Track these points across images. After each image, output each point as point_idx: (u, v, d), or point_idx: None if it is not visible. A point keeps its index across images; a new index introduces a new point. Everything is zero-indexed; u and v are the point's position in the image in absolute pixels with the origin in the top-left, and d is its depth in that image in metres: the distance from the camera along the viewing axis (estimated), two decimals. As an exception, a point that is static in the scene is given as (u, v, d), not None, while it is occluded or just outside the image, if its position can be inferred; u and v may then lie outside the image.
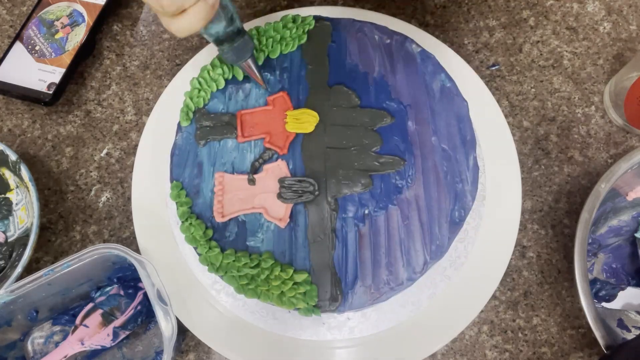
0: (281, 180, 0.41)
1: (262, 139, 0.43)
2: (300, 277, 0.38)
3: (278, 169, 0.42)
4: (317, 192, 0.40)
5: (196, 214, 0.41)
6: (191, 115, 0.44)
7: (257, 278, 0.38)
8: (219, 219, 0.41)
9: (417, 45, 0.45)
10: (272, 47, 0.45)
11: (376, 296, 0.38)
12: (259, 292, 0.38)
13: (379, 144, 0.41)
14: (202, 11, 0.32)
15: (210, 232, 0.40)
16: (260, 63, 0.45)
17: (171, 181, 0.43)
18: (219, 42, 0.39)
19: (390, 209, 0.40)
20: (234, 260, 0.39)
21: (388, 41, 0.45)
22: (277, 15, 0.51)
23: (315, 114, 0.43)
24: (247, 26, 0.51)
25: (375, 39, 0.45)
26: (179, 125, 0.44)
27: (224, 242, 0.40)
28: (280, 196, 0.40)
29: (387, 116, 0.42)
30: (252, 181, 0.41)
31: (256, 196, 0.41)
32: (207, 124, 0.44)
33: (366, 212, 0.40)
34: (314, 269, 0.39)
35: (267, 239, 0.40)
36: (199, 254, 0.40)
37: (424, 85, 0.43)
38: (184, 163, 0.43)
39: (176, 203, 0.42)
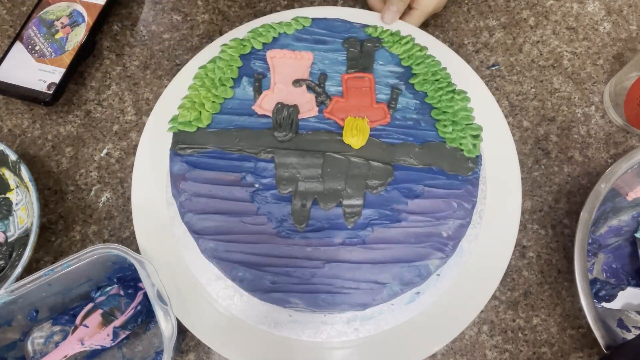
0: (294, 106, 0.43)
1: (341, 95, 0.44)
2: (204, 118, 0.42)
3: (309, 107, 0.43)
4: (279, 138, 0.42)
5: (279, 35, 0.46)
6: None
7: (211, 81, 0.43)
8: (268, 54, 0.45)
9: (440, 269, 0.40)
10: (442, 111, 0.43)
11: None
12: (196, 81, 0.43)
13: (324, 208, 0.40)
14: None
15: (260, 46, 0.45)
16: (428, 101, 0.44)
17: (312, 19, 0.47)
18: None
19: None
20: (230, 64, 0.44)
21: (443, 235, 0.40)
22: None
23: (361, 145, 0.42)
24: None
25: (447, 221, 0.41)
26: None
27: (249, 57, 0.45)
28: (277, 105, 0.43)
29: (353, 220, 0.40)
30: (298, 83, 0.44)
31: (285, 85, 0.44)
32: (361, 49, 0.46)
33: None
34: (210, 132, 0.42)
35: (245, 94, 0.44)
36: (242, 38, 0.46)
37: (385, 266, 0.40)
38: (327, 29, 0.46)
39: (292, 20, 0.46)
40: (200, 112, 0.42)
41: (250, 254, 0.39)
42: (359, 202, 0.40)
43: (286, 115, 0.42)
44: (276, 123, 0.42)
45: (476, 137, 0.42)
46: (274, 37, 0.45)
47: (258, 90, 0.43)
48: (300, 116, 0.42)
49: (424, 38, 0.50)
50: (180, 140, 0.42)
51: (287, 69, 0.44)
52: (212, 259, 0.39)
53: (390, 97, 0.44)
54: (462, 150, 0.42)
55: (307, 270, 0.39)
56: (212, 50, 0.50)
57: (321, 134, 0.42)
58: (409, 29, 0.50)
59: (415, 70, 0.45)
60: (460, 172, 0.41)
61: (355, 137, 0.41)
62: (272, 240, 0.39)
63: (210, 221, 0.40)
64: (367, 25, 0.47)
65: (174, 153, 0.41)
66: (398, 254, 0.39)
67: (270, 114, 0.42)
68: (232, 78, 0.44)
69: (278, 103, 0.43)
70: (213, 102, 0.42)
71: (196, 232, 0.40)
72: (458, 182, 0.41)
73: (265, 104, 0.43)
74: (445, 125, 0.42)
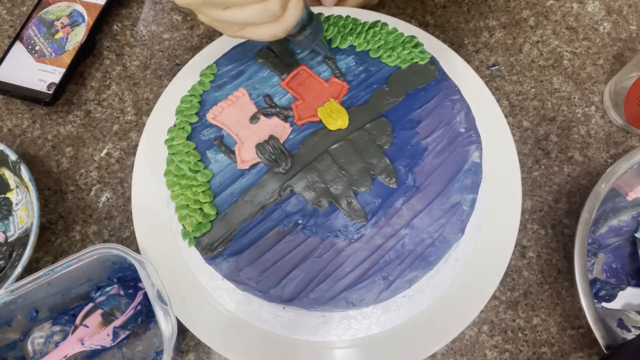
0: (272, 137, 0.41)
1: (295, 99, 0.43)
2: (209, 210, 0.40)
3: (281, 129, 0.42)
4: (283, 171, 0.41)
5: (201, 98, 0.44)
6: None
7: (185, 178, 0.41)
8: (209, 117, 0.43)
9: (480, 156, 0.41)
10: (377, 47, 0.45)
11: (233, 277, 0.39)
12: (175, 188, 0.41)
13: (365, 189, 0.40)
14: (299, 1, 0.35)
15: (195, 119, 0.43)
16: (359, 49, 0.45)
17: (215, 62, 0.46)
18: (302, 28, 0.39)
19: (317, 240, 0.39)
20: (186, 151, 0.42)
21: (462, 131, 0.42)
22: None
23: (347, 121, 0.42)
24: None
25: (455, 119, 0.42)
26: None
27: (196, 134, 0.43)
28: (258, 147, 0.41)
29: (394, 179, 0.40)
30: (256, 118, 0.42)
31: (247, 129, 0.42)
32: (276, 52, 0.45)
33: (299, 221, 0.39)
34: (224, 217, 0.40)
35: (222, 163, 0.42)
36: (174, 125, 0.43)
37: (447, 191, 0.40)
38: (235, 60, 0.45)
39: (200, 76, 0.45)
40: (201, 209, 0.40)
41: (319, 272, 0.39)
42: (385, 162, 0.41)
43: (271, 149, 0.41)
44: (269, 161, 0.41)
45: (417, 45, 0.45)
46: (199, 102, 0.44)
47: (229, 152, 0.42)
48: (281, 141, 0.42)
49: (423, 38, 0.50)
50: (206, 245, 0.39)
51: (235, 116, 0.43)
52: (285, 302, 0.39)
53: (331, 69, 0.44)
54: (416, 62, 0.44)
55: (399, 244, 0.39)
56: (212, 50, 0.50)
57: (310, 140, 0.42)
58: (389, 20, 0.50)
59: (328, 36, 0.45)
60: (429, 78, 0.44)
61: (338, 119, 0.42)
62: (352, 249, 0.39)
63: (293, 281, 0.39)
64: None
65: (211, 259, 0.39)
66: (446, 172, 0.41)
67: (257, 160, 0.41)
68: (198, 161, 0.42)
69: (256, 145, 0.41)
70: (203, 191, 0.41)
71: (289, 300, 0.38)
72: (434, 85, 0.44)
73: (245, 156, 0.41)
74: (389, 56, 0.44)
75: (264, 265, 0.39)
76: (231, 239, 0.39)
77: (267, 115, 0.43)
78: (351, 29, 0.46)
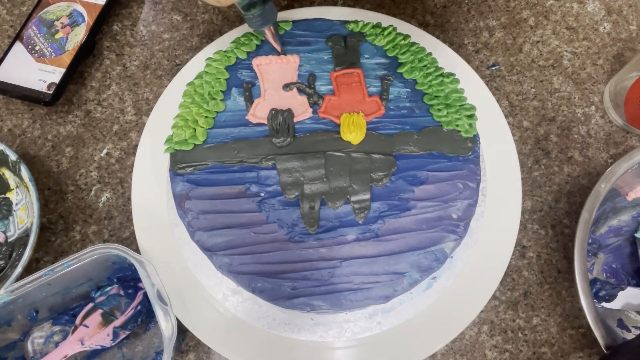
0: (288, 111, 0.42)
1: (332, 94, 0.43)
2: (200, 135, 0.42)
3: (302, 109, 0.43)
4: (278, 144, 0.41)
5: (261, 43, 0.46)
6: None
7: (201, 97, 0.43)
8: (254, 62, 0.44)
9: (454, 249, 0.40)
10: (435, 97, 0.43)
11: (178, 200, 0.41)
12: (186, 99, 0.43)
13: (332, 206, 0.40)
14: None
15: (244, 55, 0.45)
16: (418, 87, 0.44)
17: (293, 22, 0.46)
18: (251, 5, 0.39)
19: (263, 217, 0.40)
20: (217, 77, 0.43)
21: (453, 217, 0.40)
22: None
23: (360, 139, 0.41)
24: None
25: (455, 204, 0.41)
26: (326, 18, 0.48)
27: (235, 69, 0.44)
28: (271, 112, 0.42)
29: (363, 215, 0.40)
30: (289, 87, 0.44)
31: (275, 91, 0.44)
32: (346, 45, 0.46)
33: (261, 194, 0.40)
34: (207, 148, 0.42)
35: (237, 105, 0.43)
36: (224, 50, 0.45)
37: (400, 257, 0.39)
38: (310, 29, 0.46)
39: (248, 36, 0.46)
40: (194, 129, 0.42)
41: (266, 264, 0.39)
42: (366, 196, 0.40)
43: (282, 120, 0.42)
44: (273, 129, 0.41)
45: (471, 116, 0.43)
46: (257, 45, 0.45)
47: (249, 100, 0.43)
48: (295, 119, 0.42)
49: (423, 38, 0.50)
50: (179, 160, 0.41)
51: (275, 74, 0.44)
52: (229, 274, 0.39)
53: (381, 88, 0.44)
54: (459, 131, 0.42)
55: (326, 271, 0.38)
56: (212, 50, 0.50)
57: (319, 135, 0.42)
58: (389, 20, 0.50)
59: (401, 59, 0.45)
60: (460, 152, 0.42)
61: (353, 132, 0.41)
62: (286, 246, 0.39)
63: (221, 237, 0.39)
64: (348, 21, 0.46)
65: (174, 174, 0.41)
66: (412, 242, 0.39)
67: (265, 122, 0.42)
68: (221, 91, 0.43)
69: (272, 109, 0.42)
70: (206, 117, 0.42)
71: (208, 250, 0.39)
72: (460, 162, 0.42)
73: (258, 112, 0.43)
74: (439, 109, 0.43)
75: (208, 207, 0.40)
76: (200, 169, 0.41)
77: (300, 90, 0.43)
78: (426, 65, 0.44)
